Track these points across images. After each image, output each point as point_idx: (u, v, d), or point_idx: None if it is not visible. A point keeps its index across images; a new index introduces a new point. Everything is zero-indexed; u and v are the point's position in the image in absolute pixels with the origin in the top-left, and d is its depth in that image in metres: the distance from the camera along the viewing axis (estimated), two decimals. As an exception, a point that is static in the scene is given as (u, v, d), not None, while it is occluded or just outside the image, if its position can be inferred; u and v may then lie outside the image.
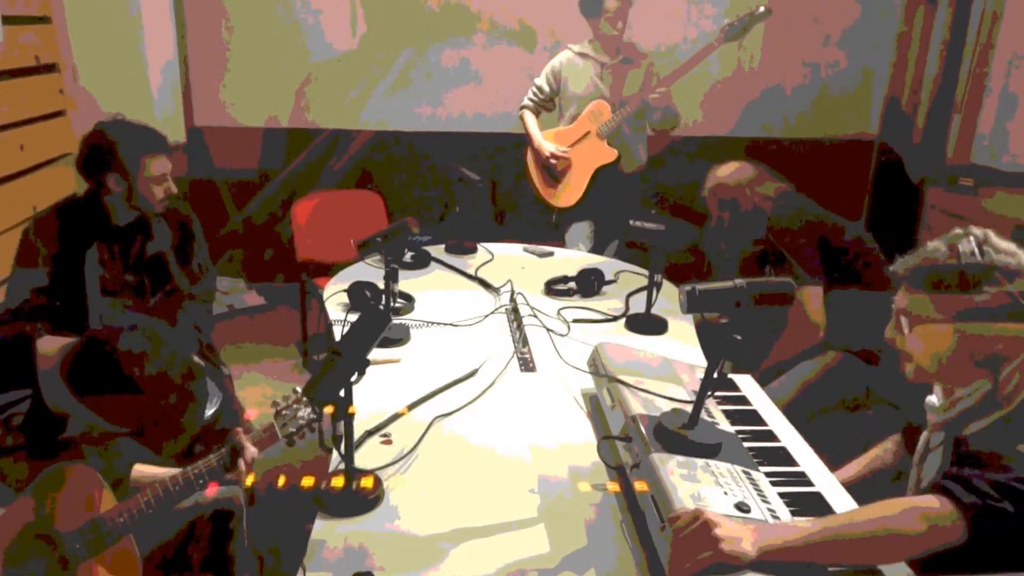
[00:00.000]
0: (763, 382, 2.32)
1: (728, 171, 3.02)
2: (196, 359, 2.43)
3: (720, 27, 3.73)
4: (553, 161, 4.03)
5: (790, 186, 3.01)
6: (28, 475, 1.72)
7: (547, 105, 4.18)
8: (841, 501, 1.72)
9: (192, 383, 1.81)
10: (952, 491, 1.42)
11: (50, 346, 1.79)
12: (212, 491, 1.81)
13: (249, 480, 1.84)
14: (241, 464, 1.81)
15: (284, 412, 1.76)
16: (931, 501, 1.43)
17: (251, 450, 1.82)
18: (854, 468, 2.06)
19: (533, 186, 4.20)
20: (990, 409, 1.60)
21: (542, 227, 4.21)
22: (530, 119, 4.17)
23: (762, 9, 3.68)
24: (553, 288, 3.05)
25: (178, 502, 1.78)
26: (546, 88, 4.12)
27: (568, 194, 4.09)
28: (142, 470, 1.95)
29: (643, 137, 4.14)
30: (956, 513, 1.39)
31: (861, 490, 1.87)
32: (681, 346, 2.62)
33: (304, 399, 1.75)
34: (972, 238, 1.60)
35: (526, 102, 4.18)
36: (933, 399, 1.75)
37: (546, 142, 4.07)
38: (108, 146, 2.58)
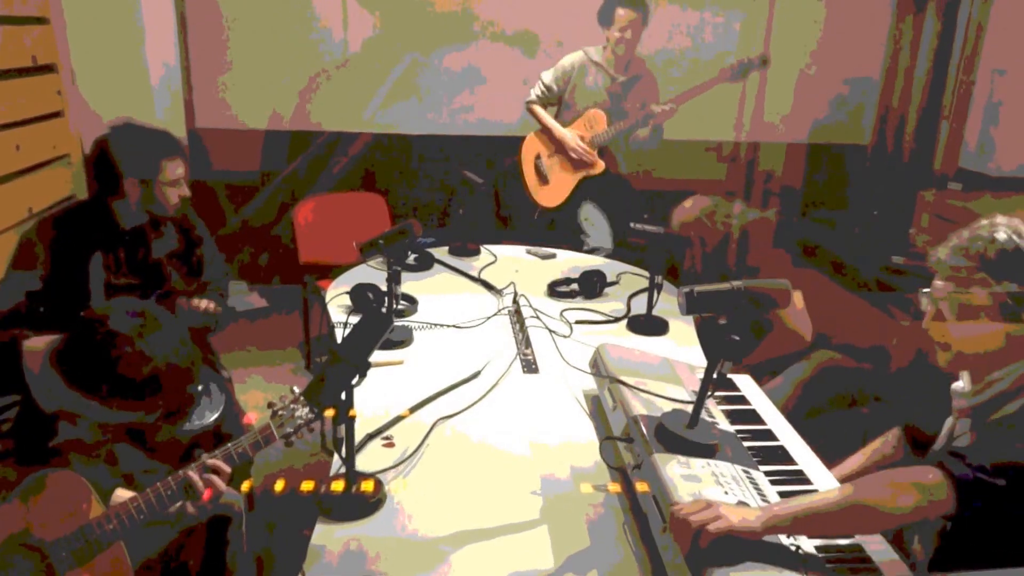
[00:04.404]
0: (759, 384, 2.33)
1: (688, 206, 3.05)
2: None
3: (720, 68, 3.80)
4: (574, 153, 4.07)
5: (743, 203, 3.06)
6: (16, 481, 1.69)
7: (552, 103, 4.24)
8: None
9: (192, 367, 1.78)
10: (947, 465, 1.45)
11: (37, 343, 1.75)
12: (207, 497, 1.79)
13: (245, 486, 1.82)
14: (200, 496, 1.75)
15: (281, 412, 1.75)
16: (924, 473, 1.46)
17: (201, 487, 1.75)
18: (855, 462, 2.06)
19: (523, 179, 4.28)
20: (1022, 391, 1.61)
21: (544, 229, 4.24)
22: (544, 112, 4.22)
23: (761, 59, 3.77)
24: (555, 290, 3.06)
25: (170, 507, 1.76)
26: (555, 88, 4.18)
27: (553, 195, 4.19)
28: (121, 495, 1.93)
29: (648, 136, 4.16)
30: (946, 484, 1.43)
31: None
32: (682, 347, 2.63)
33: (301, 399, 1.74)
34: (1004, 228, 1.60)
35: (533, 97, 4.24)
36: (960, 384, 1.75)
37: (569, 131, 4.11)
38: (125, 151, 2.58)
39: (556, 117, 4.20)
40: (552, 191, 4.19)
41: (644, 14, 3.93)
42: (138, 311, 1.74)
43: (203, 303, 2.77)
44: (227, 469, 1.77)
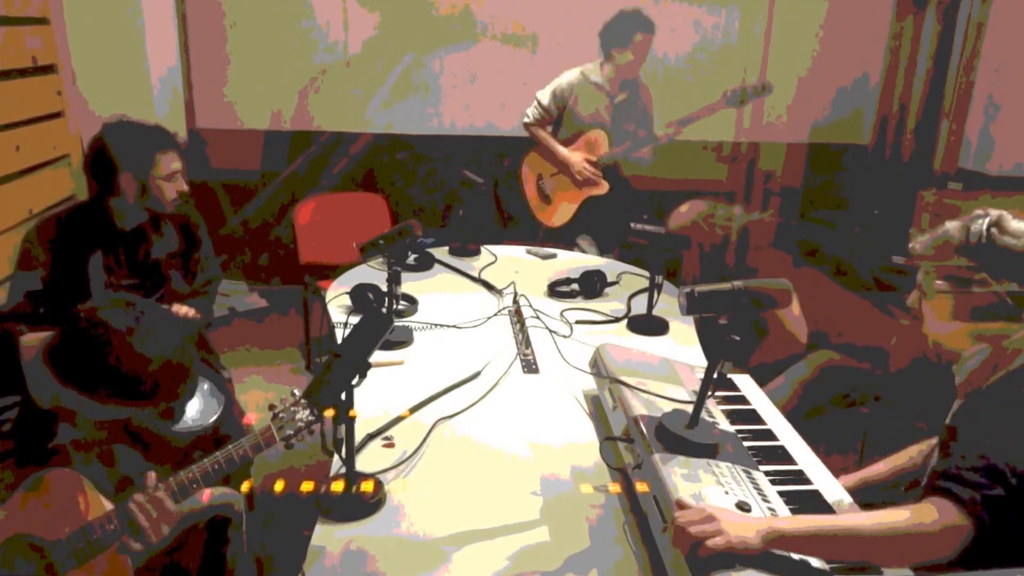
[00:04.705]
0: (760, 383, 2.33)
1: (684, 210, 3.05)
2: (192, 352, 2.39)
3: (722, 92, 3.83)
4: (580, 176, 4.05)
5: (742, 207, 3.05)
6: (16, 482, 1.68)
7: (549, 123, 4.20)
8: (838, 499, 1.73)
9: (188, 365, 1.76)
10: (951, 491, 1.43)
11: (32, 339, 1.73)
12: (207, 497, 1.78)
13: (245, 486, 1.82)
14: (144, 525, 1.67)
15: (281, 415, 1.75)
16: (932, 511, 1.43)
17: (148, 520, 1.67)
18: (884, 467, 2.04)
19: (525, 199, 4.25)
20: (997, 367, 1.62)
21: (545, 229, 4.23)
22: (545, 134, 4.17)
23: (761, 86, 3.80)
24: (556, 290, 3.06)
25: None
26: (553, 110, 4.14)
27: (557, 216, 4.17)
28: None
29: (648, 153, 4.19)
30: (961, 514, 1.41)
31: (881, 492, 1.88)
32: (682, 347, 2.63)
33: (302, 401, 1.74)
34: (986, 219, 1.62)
35: (531, 119, 4.19)
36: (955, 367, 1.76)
37: (574, 153, 4.08)
38: (118, 146, 2.58)
39: (553, 135, 4.18)
40: (556, 211, 4.16)
41: (654, 33, 3.96)
42: (132, 306, 1.71)
43: (183, 309, 2.76)
44: (170, 507, 1.69)
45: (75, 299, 2.53)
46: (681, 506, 1.50)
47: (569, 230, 4.17)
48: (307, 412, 1.73)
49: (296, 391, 1.75)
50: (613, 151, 3.99)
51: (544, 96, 4.15)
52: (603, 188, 4.03)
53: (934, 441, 1.98)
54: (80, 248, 2.60)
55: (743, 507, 1.53)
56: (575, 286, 3.07)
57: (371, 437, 2.00)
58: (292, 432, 1.75)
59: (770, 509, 1.57)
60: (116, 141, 2.59)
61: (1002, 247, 1.58)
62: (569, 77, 4.11)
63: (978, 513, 1.40)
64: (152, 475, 1.71)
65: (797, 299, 2.81)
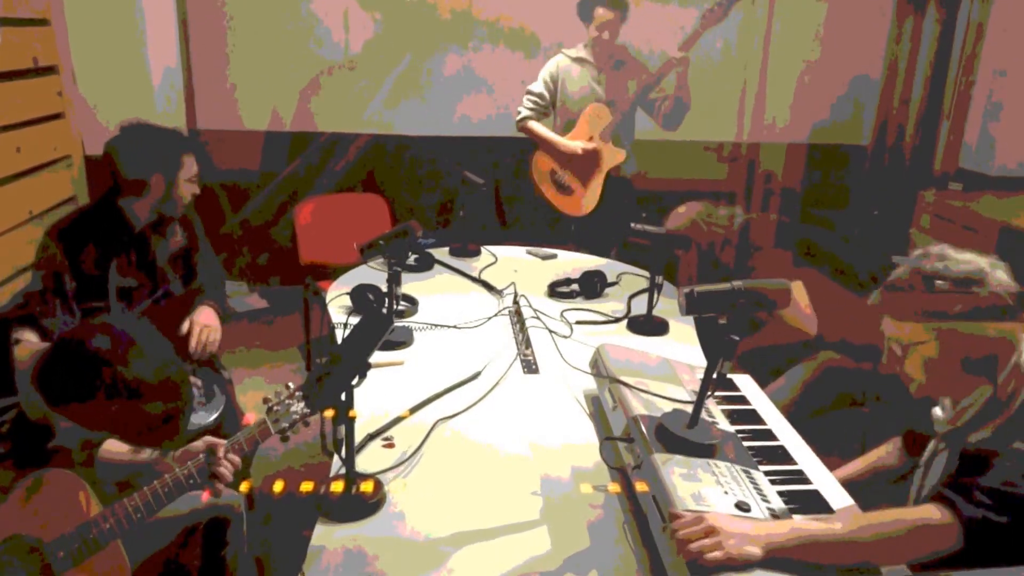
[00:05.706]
0: (761, 384, 2.33)
1: (682, 211, 3.05)
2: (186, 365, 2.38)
3: (701, 12, 3.82)
4: (583, 154, 4.02)
5: (738, 209, 3.06)
6: (14, 483, 1.69)
7: (546, 111, 4.19)
8: (838, 499, 1.73)
9: (180, 388, 1.76)
10: (955, 503, 1.45)
11: (24, 352, 1.74)
12: (207, 497, 1.78)
13: (244, 486, 1.82)
14: (219, 477, 1.76)
15: (276, 408, 1.75)
16: (932, 512, 1.46)
17: (225, 462, 1.76)
18: (856, 466, 2.07)
19: (546, 199, 4.21)
20: (993, 416, 1.63)
21: (545, 229, 4.23)
22: (540, 127, 4.16)
23: None
24: (556, 290, 3.06)
25: (167, 504, 1.75)
26: (546, 95, 4.14)
27: (584, 201, 4.12)
28: (112, 447, 1.90)
29: (631, 142, 4.19)
30: (956, 524, 1.43)
31: (860, 489, 1.88)
32: (682, 347, 2.63)
33: (296, 394, 1.74)
34: (934, 256, 1.67)
35: (526, 112, 4.17)
36: (938, 411, 1.78)
37: (572, 141, 4.06)
38: (148, 146, 2.58)
39: (555, 126, 4.16)
40: (582, 197, 4.11)
41: (623, 12, 3.94)
42: (121, 332, 1.70)
43: (200, 335, 2.74)
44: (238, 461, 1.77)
45: (97, 301, 2.53)
46: (676, 517, 1.49)
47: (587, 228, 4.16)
48: (301, 405, 1.73)
49: (291, 384, 1.75)
50: (617, 113, 3.97)
51: (535, 85, 4.16)
52: (619, 156, 4.00)
53: (898, 440, 2.01)
54: (98, 250, 2.58)
55: (743, 507, 1.53)
56: (575, 286, 3.07)
57: (371, 437, 2.00)
58: (287, 425, 1.75)
59: (769, 509, 1.57)
60: (145, 142, 2.59)
61: (963, 274, 1.63)
62: (554, 60, 4.15)
63: (970, 532, 1.42)
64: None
65: (802, 286, 2.81)
